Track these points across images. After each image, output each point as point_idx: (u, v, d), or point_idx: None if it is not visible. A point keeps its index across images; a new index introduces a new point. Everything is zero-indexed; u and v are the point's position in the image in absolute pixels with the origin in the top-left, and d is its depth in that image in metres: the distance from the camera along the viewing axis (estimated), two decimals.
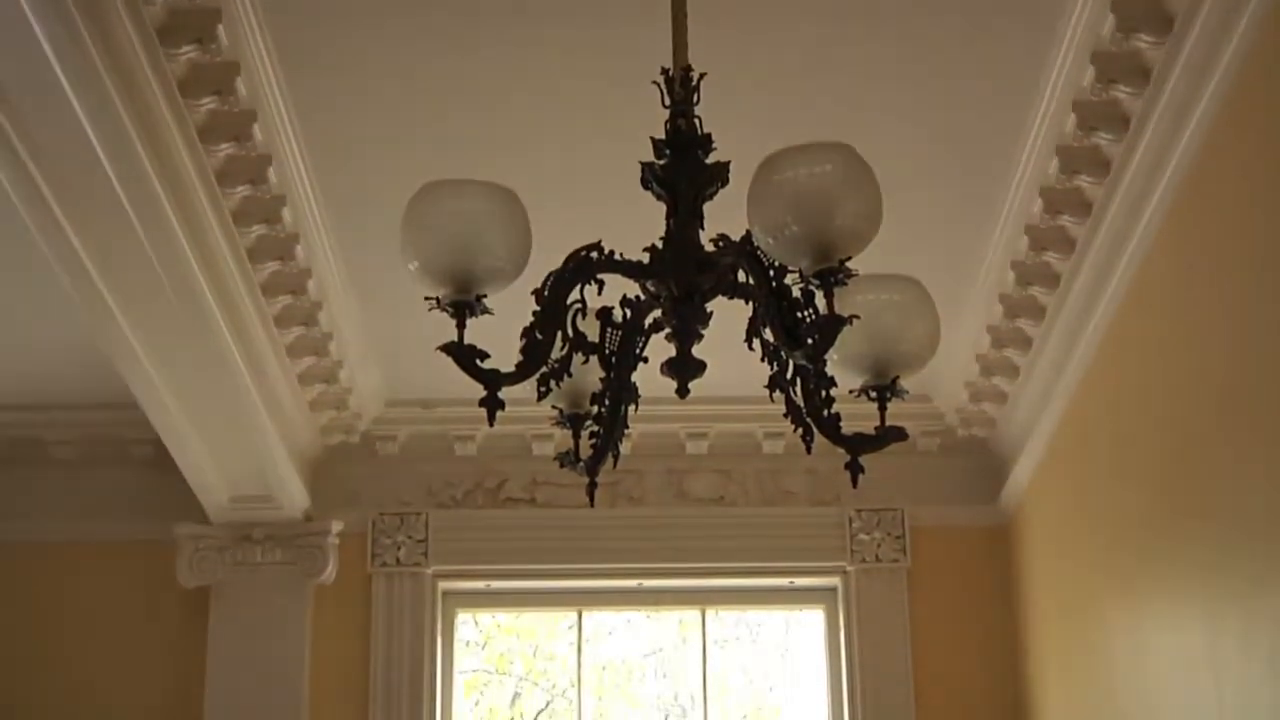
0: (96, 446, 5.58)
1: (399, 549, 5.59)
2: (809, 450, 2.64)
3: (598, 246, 2.59)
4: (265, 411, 4.80)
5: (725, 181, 2.59)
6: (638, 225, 2.64)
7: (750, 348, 2.63)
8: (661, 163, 2.59)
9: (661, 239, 2.59)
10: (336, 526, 5.55)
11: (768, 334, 2.57)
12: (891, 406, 2.64)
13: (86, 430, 5.54)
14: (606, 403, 2.66)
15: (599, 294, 2.60)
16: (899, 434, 2.62)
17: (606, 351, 2.64)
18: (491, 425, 2.50)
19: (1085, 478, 4.81)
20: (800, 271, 2.41)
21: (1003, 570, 5.60)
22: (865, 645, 5.55)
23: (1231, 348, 3.56)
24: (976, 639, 5.58)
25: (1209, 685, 3.69)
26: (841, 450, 2.62)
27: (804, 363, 2.54)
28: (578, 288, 2.58)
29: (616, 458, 2.73)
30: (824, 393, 2.59)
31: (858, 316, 2.45)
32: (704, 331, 2.60)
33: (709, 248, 2.58)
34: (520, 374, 2.54)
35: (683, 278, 2.57)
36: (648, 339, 2.66)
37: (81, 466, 5.59)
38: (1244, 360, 3.48)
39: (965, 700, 5.52)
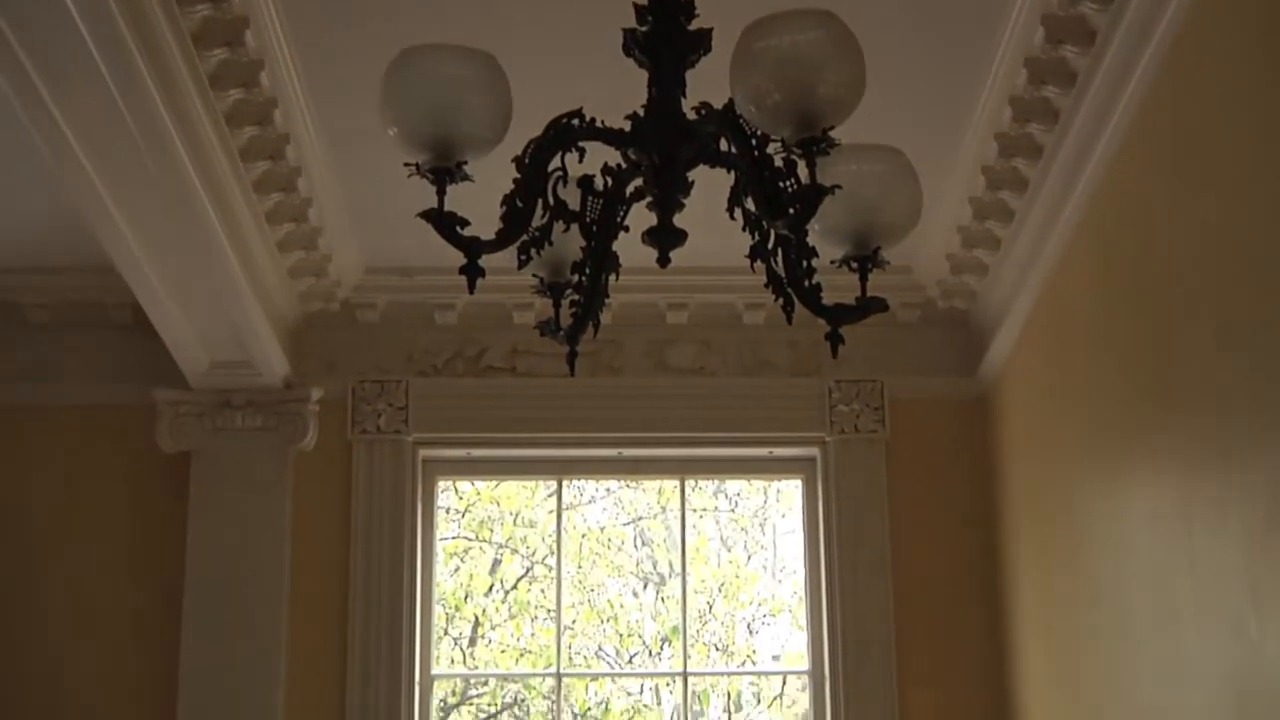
0: (74, 310, 5.56)
1: (379, 416, 5.61)
2: (789, 321, 2.65)
3: (579, 114, 2.57)
4: (244, 277, 4.78)
5: (707, 49, 2.56)
6: (619, 93, 2.61)
7: (732, 217, 2.62)
8: (644, 29, 2.56)
9: (643, 107, 2.57)
10: (316, 393, 5.56)
11: (749, 203, 2.56)
12: (872, 278, 2.64)
13: (64, 294, 5.52)
14: (587, 271, 2.66)
15: (580, 162, 2.59)
16: (880, 305, 2.62)
17: (587, 220, 2.63)
18: (472, 293, 2.50)
19: (1064, 349, 4.83)
20: (782, 140, 2.39)
21: (980, 441, 5.64)
22: (843, 515, 5.60)
23: (1214, 223, 3.56)
24: (953, 509, 5.63)
25: (1182, 551, 3.74)
26: (822, 321, 2.63)
27: (785, 232, 2.53)
28: (558, 155, 2.57)
29: (597, 327, 2.73)
30: (805, 263, 2.59)
31: (840, 186, 2.44)
32: (685, 201, 2.59)
33: (691, 116, 2.56)
34: (500, 241, 2.53)
35: (664, 146, 2.55)
36: (629, 208, 2.65)
37: (59, 330, 5.58)
38: (1225, 237, 3.49)
39: (941, 569, 5.58)
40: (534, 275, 2.78)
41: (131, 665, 5.38)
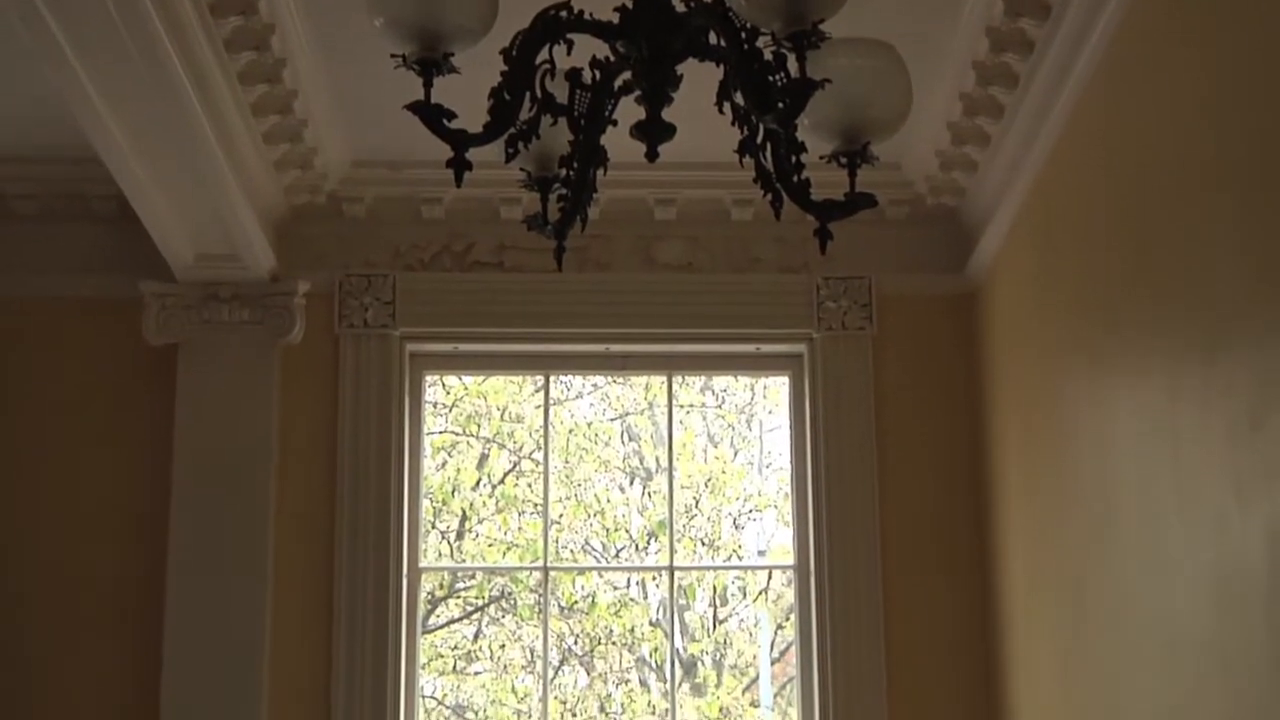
0: (59, 201, 5.52)
1: (366, 311, 5.60)
2: (778, 216, 2.64)
3: (567, 6, 2.55)
4: (229, 168, 4.75)
5: None
6: None
7: (720, 112, 2.60)
8: None
9: None
10: (303, 287, 5.54)
11: (738, 98, 2.54)
12: (861, 174, 2.63)
13: (48, 185, 5.47)
14: (575, 166, 2.65)
15: (568, 55, 2.56)
16: (868, 200, 2.62)
17: (575, 113, 2.61)
18: (459, 187, 2.49)
19: (1052, 246, 4.83)
20: (772, 34, 2.37)
21: (968, 338, 5.65)
22: (830, 411, 5.62)
23: (1203, 120, 3.54)
24: (940, 407, 5.65)
25: (1166, 446, 3.76)
26: (810, 217, 2.62)
27: (774, 127, 2.52)
28: (546, 48, 2.55)
29: (585, 222, 2.72)
30: (794, 158, 2.58)
31: (829, 81, 2.42)
32: (674, 95, 2.57)
33: (680, 8, 2.53)
34: (488, 135, 2.52)
35: (653, 39, 2.53)
36: (617, 101, 2.63)
37: (44, 221, 5.54)
38: (1214, 132, 3.47)
39: (927, 465, 5.61)
40: (521, 169, 2.76)
41: (119, 558, 5.40)
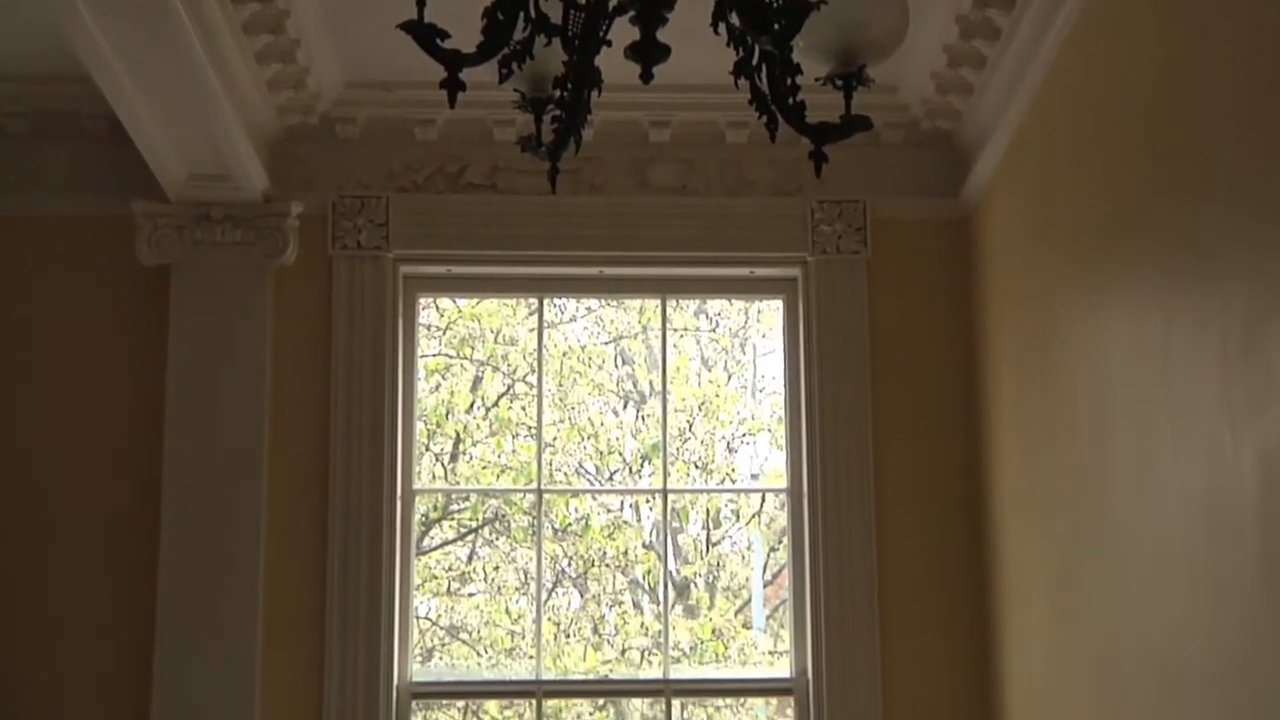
0: (50, 120, 5.48)
1: (359, 232, 5.58)
2: (773, 139, 2.63)
3: None
4: (220, 88, 4.71)
5: None
6: None
7: (716, 33, 2.58)
8: None
9: None
10: (296, 208, 5.52)
11: (734, 18, 2.52)
12: (856, 97, 2.62)
13: (38, 103, 5.44)
14: (569, 87, 2.63)
15: None
16: (864, 123, 2.61)
17: (569, 34, 2.59)
18: (452, 107, 2.47)
19: (1048, 169, 4.81)
20: None
21: (962, 263, 5.64)
22: (824, 336, 5.62)
23: (1203, 40, 3.52)
24: (934, 331, 5.65)
25: (1160, 370, 3.77)
26: (805, 140, 2.61)
27: (770, 48, 2.50)
28: None
29: (579, 144, 2.71)
30: (789, 80, 2.56)
31: (825, 2, 2.41)
32: (669, 16, 2.55)
33: None
34: (481, 55, 2.50)
35: None
36: (611, 22, 2.61)
37: (34, 140, 5.50)
38: (1211, 57, 3.45)
39: (921, 389, 5.62)
40: (515, 90, 2.75)
41: (113, 477, 5.41)
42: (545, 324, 6.17)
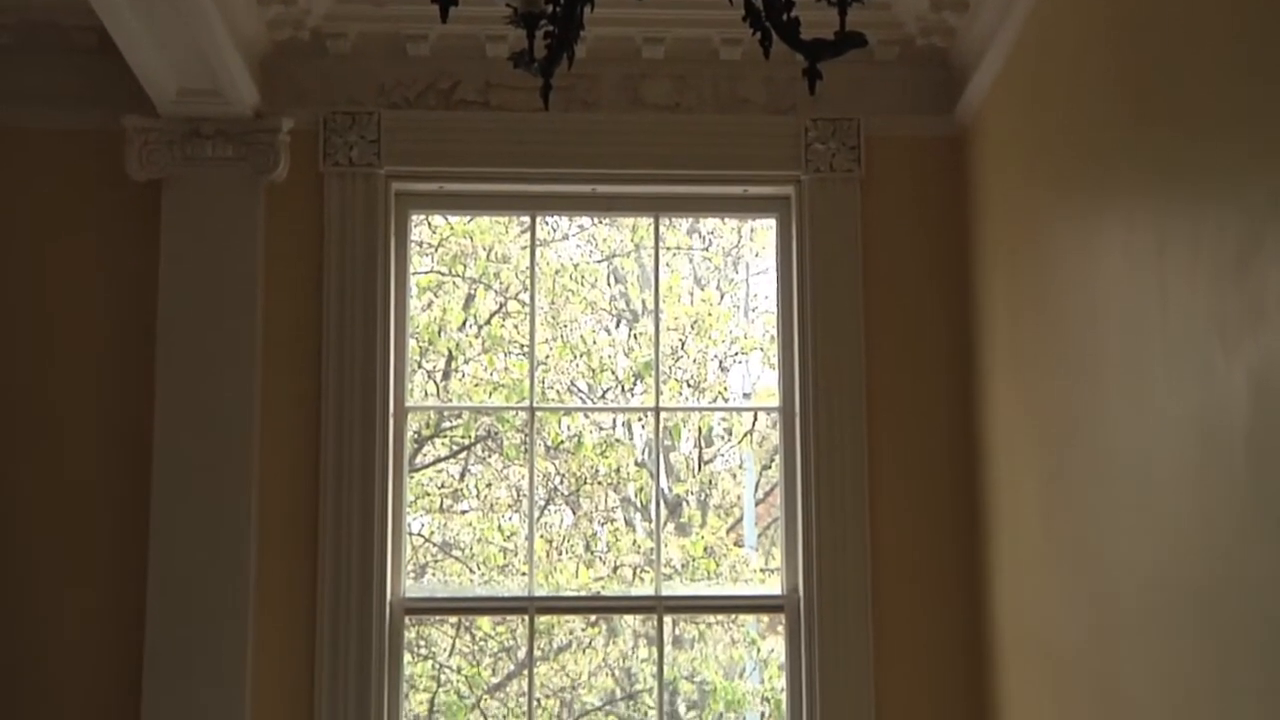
0: (38, 32, 5.43)
1: (351, 149, 5.55)
2: (767, 55, 2.62)
3: None
4: (210, 0, 4.67)
5: None
6: None
7: None
8: None
9: None
10: (287, 124, 5.49)
11: None
12: (850, 14, 2.60)
13: (26, 15, 5.38)
14: (562, 2, 2.61)
15: None
16: (858, 40, 2.59)
17: None
18: (444, 22, 2.46)
19: (1042, 87, 4.78)
20: None
21: (956, 181, 5.63)
22: (816, 254, 5.61)
23: None
24: (927, 249, 5.64)
25: (1154, 291, 3.77)
26: (799, 57, 2.59)
27: None
28: None
29: (571, 60, 2.69)
30: None
31: None
32: None
33: None
34: None
35: None
36: None
37: (23, 53, 5.45)
38: None
39: (913, 308, 5.62)
40: (508, 5, 2.73)
41: (104, 393, 5.41)
42: (538, 242, 6.15)
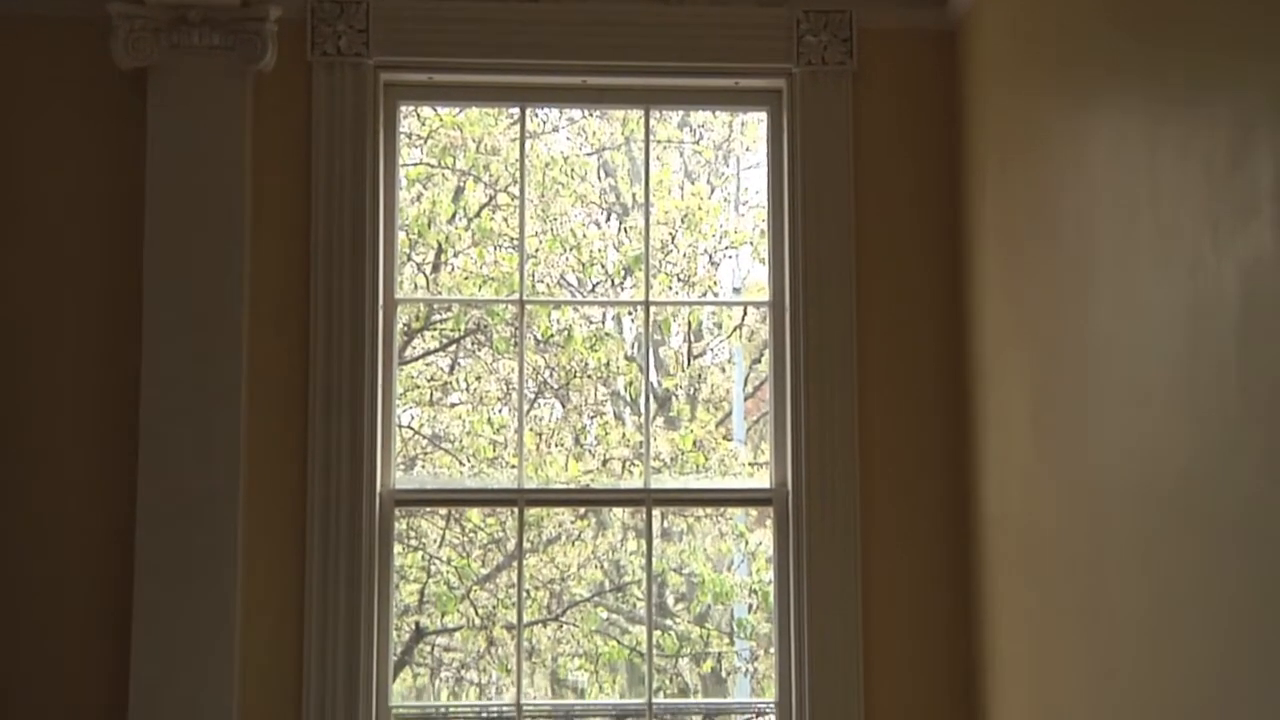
0: None
1: (339, 38, 5.50)
2: None
3: None
4: None
5: None
6: None
7: None
8: None
9: None
10: (274, 12, 5.42)
11: None
12: None
13: None
14: None
15: None
16: None
17: None
18: None
19: None
20: None
21: (950, 75, 5.58)
22: (808, 149, 5.58)
23: None
24: (919, 144, 5.61)
25: (1145, 186, 3.76)
26: None
27: None
28: None
29: None
30: None
31: None
32: None
33: None
34: None
35: None
36: None
37: None
38: None
39: (905, 204, 5.60)
40: None
41: (89, 281, 5.38)
42: (527, 134, 6.11)
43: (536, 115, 7.61)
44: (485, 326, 7.85)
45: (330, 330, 5.40)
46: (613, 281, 8.13)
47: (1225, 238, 3.29)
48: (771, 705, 5.50)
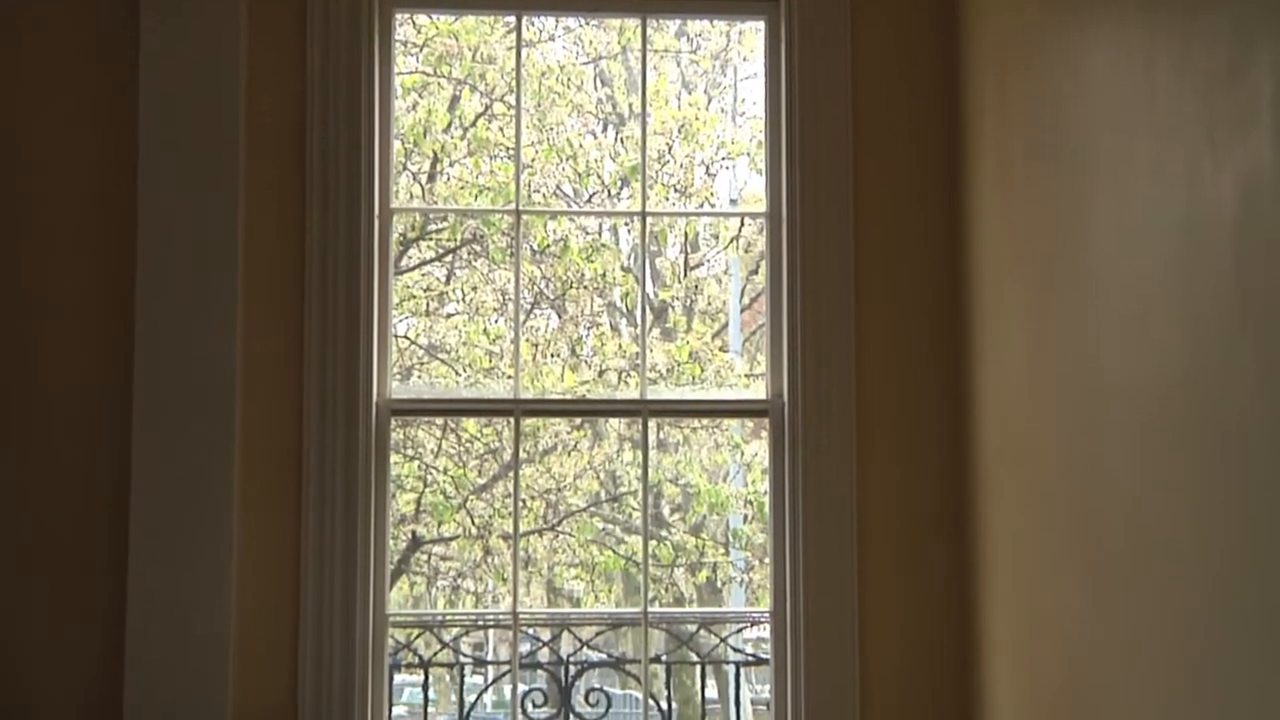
0: None
1: None
2: None
3: None
4: None
5: None
6: None
7: None
8: None
9: None
10: None
11: None
12: None
13: None
14: None
15: None
16: None
17: None
18: None
19: None
20: None
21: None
22: (806, 58, 5.53)
23: None
24: (918, 55, 5.54)
25: (1142, 98, 3.75)
26: None
27: None
28: None
29: None
30: None
31: None
32: None
33: None
34: None
35: None
36: None
37: None
38: None
39: (904, 115, 5.56)
40: None
41: (84, 201, 5.36)
42: (524, 43, 6.06)
43: (533, 23, 7.56)
44: (481, 236, 7.84)
45: (326, 238, 5.39)
46: (609, 192, 8.11)
47: (1223, 147, 3.28)
48: (766, 614, 5.54)
